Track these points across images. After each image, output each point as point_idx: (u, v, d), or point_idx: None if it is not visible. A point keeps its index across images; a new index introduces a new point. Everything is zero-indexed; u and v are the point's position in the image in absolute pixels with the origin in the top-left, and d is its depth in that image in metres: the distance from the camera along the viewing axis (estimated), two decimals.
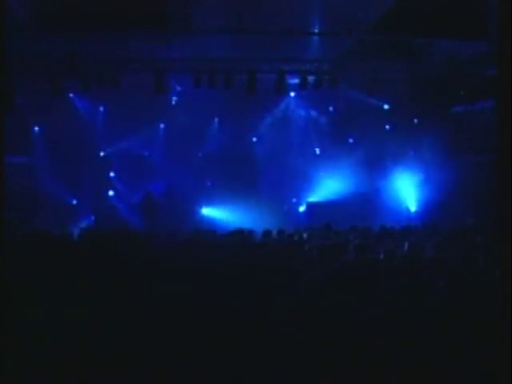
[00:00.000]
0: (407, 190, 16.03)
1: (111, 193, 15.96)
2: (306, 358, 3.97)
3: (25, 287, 5.35)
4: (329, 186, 16.09)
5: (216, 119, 16.41)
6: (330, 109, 16.51)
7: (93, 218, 15.32)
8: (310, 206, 16.18)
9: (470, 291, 4.97)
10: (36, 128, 15.49)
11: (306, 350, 4.05)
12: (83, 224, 14.75)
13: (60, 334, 4.26)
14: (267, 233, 10.48)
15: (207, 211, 15.97)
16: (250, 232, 10.53)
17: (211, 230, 11.53)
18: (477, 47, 12.17)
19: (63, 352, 4.01)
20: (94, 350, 4.06)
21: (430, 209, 14.90)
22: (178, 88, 15.67)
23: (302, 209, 16.40)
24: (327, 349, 4.07)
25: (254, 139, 16.59)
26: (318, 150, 16.78)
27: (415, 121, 16.04)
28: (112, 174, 15.92)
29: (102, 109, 15.60)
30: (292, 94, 15.89)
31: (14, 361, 3.89)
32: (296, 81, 14.43)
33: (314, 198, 16.22)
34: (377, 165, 15.84)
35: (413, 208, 15.93)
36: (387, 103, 16.09)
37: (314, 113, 16.46)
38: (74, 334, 4.28)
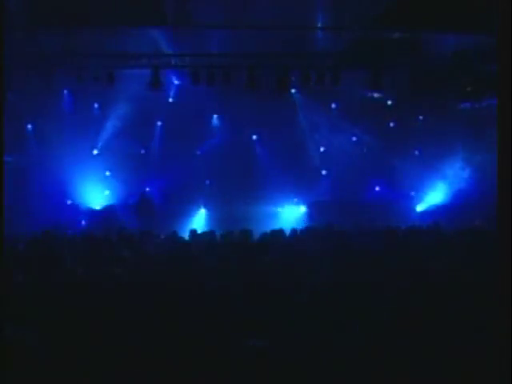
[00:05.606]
0: (412, 189, 15.79)
1: (107, 192, 15.71)
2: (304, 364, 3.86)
3: (19, 288, 5.38)
4: (331, 185, 15.83)
5: (215, 117, 16.17)
6: (333, 106, 16.25)
7: (88, 218, 15.04)
8: (312, 205, 15.92)
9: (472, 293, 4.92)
10: (29, 126, 15.21)
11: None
12: (78, 224, 14.64)
13: (58, 335, 4.24)
14: (266, 233, 10.35)
15: (206, 211, 15.71)
16: (249, 232, 10.38)
17: (210, 231, 11.38)
18: (483, 41, 11.90)
19: (61, 352, 4.00)
20: (91, 350, 4.04)
21: (435, 209, 14.76)
22: (176, 82, 15.43)
23: (303, 209, 16.15)
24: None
25: (254, 137, 16.34)
26: (322, 148, 16.50)
27: (420, 118, 15.82)
28: (107, 173, 15.66)
29: (96, 106, 15.34)
30: (293, 91, 15.63)
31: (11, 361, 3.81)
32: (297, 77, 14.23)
33: (315, 197, 15.93)
34: (380, 163, 15.60)
35: (418, 208, 15.68)
36: (391, 99, 15.85)
37: (315, 110, 16.17)
38: (72, 335, 4.25)
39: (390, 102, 15.90)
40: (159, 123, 15.94)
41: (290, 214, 15.80)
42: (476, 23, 10.43)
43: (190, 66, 13.95)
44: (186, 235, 11.01)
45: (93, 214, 15.13)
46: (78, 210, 15.07)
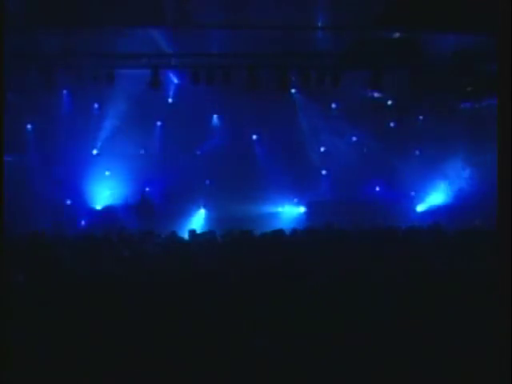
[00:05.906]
0: (412, 190, 15.78)
1: (107, 192, 15.69)
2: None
3: (19, 288, 5.36)
4: (331, 185, 15.82)
5: (215, 117, 16.14)
6: (333, 106, 16.23)
7: (88, 218, 15.03)
8: (312, 205, 15.90)
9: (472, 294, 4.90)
10: (28, 126, 15.20)
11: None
12: (78, 224, 14.62)
13: (58, 335, 4.26)
14: (266, 233, 10.34)
15: (206, 211, 15.70)
16: (249, 232, 10.37)
17: (209, 231, 11.36)
18: (483, 41, 11.90)
19: (61, 351, 4.03)
20: (91, 350, 4.05)
21: (436, 209, 14.74)
22: (176, 82, 15.43)
23: (303, 209, 16.14)
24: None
25: (254, 137, 16.32)
26: (322, 148, 16.46)
27: (420, 118, 15.80)
28: (107, 173, 15.65)
29: (96, 106, 15.32)
30: (293, 91, 15.61)
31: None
32: (297, 77, 14.21)
33: (315, 197, 15.91)
34: (380, 163, 15.57)
35: (419, 208, 15.66)
36: (391, 99, 15.84)
37: (315, 110, 16.15)
38: (72, 335, 4.27)
39: (390, 102, 15.86)
40: (159, 123, 15.89)
41: (290, 214, 15.78)
42: (476, 23, 10.42)
43: (189, 65, 13.93)
44: (185, 235, 11.00)
45: (93, 213, 15.11)
46: (78, 210, 15.05)
